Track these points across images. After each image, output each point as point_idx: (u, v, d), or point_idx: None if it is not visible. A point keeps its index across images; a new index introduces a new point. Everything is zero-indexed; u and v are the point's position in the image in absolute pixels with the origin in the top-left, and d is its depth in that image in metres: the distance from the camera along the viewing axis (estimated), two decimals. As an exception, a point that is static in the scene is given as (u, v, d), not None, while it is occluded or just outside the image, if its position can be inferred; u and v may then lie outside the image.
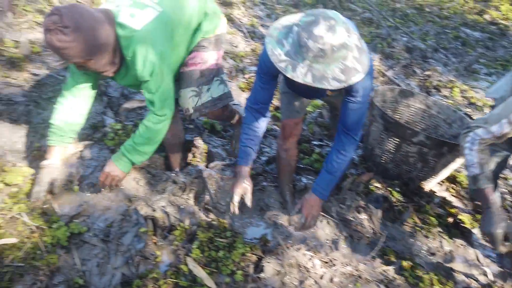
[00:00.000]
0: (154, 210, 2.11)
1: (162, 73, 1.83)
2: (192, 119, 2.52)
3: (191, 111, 2.18)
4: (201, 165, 2.59)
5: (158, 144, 2.01)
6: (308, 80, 1.47)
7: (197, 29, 2.08)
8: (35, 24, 3.12)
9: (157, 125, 1.93)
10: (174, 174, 2.37)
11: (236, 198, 1.97)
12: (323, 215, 2.24)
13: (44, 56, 2.89)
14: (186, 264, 1.82)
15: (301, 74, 1.47)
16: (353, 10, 6.35)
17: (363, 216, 2.32)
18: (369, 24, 5.94)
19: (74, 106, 1.99)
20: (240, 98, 3.48)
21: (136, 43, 1.72)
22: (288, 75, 1.49)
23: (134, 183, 2.25)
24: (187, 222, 2.08)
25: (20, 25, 3.04)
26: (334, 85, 1.48)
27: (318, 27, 1.41)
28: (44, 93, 2.59)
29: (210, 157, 2.71)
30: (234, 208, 1.99)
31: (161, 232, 2.03)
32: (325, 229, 2.19)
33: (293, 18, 1.60)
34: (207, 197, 2.32)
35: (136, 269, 1.78)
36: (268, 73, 1.85)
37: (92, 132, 2.58)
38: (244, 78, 3.67)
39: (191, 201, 2.23)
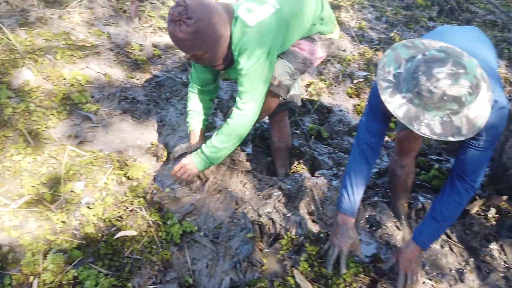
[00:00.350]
0: (259, 216, 2.08)
1: (262, 71, 1.76)
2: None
3: (276, 83, 2.02)
4: (307, 173, 2.51)
5: (236, 143, 1.90)
6: (398, 113, 1.29)
7: (308, 31, 2.02)
8: (158, 28, 3.35)
9: (238, 121, 1.82)
10: (280, 180, 2.32)
11: (344, 259, 1.71)
12: (445, 240, 1.99)
13: (164, 59, 3.07)
14: (293, 277, 1.74)
15: (396, 104, 1.30)
16: (473, 12, 5.72)
17: (493, 246, 2.01)
18: (492, 27, 5.30)
19: (203, 94, 2.11)
20: (347, 104, 3.32)
21: (247, 38, 1.69)
22: (382, 97, 1.32)
23: (240, 186, 2.25)
24: (293, 232, 2.01)
25: (144, 30, 3.28)
26: (423, 132, 1.28)
27: (441, 68, 1.21)
28: (163, 94, 2.74)
29: (316, 165, 2.61)
30: (342, 268, 1.70)
31: (267, 239, 1.99)
32: (448, 257, 1.94)
33: (429, 43, 1.41)
34: (313, 207, 2.23)
35: (244, 275, 1.75)
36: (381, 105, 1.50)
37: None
38: (352, 83, 3.50)
39: (298, 210, 2.15)
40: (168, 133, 2.58)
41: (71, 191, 1.93)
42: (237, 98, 1.83)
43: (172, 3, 3.58)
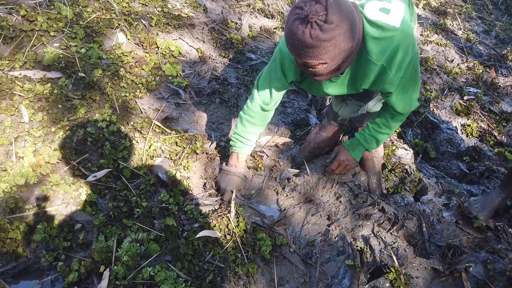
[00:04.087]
0: (354, 239, 1.74)
1: (416, 74, 1.55)
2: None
3: (346, 121, 2.01)
4: (410, 196, 2.13)
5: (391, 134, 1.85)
6: None
7: None
8: (253, 10, 3.07)
9: (399, 121, 1.76)
10: (382, 200, 1.96)
11: None
12: None
13: (258, 41, 2.79)
14: (401, 327, 1.40)
15: None
16: None
17: None
18: None
19: (262, 115, 1.76)
20: (455, 122, 2.87)
21: (397, 44, 1.36)
22: None
23: (333, 199, 1.93)
24: (402, 270, 1.65)
25: (241, 8, 3.03)
26: None
27: None
28: (255, 79, 2.47)
29: (421, 188, 2.22)
30: None
31: (366, 270, 1.65)
32: None
33: None
34: (417, 239, 1.86)
35: (341, 313, 1.43)
36: None
37: (294, 128, 2.36)
38: (461, 99, 3.03)
39: (402, 240, 1.79)
40: (256, 123, 2.32)
41: (151, 171, 1.71)
42: (392, 109, 1.67)
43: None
